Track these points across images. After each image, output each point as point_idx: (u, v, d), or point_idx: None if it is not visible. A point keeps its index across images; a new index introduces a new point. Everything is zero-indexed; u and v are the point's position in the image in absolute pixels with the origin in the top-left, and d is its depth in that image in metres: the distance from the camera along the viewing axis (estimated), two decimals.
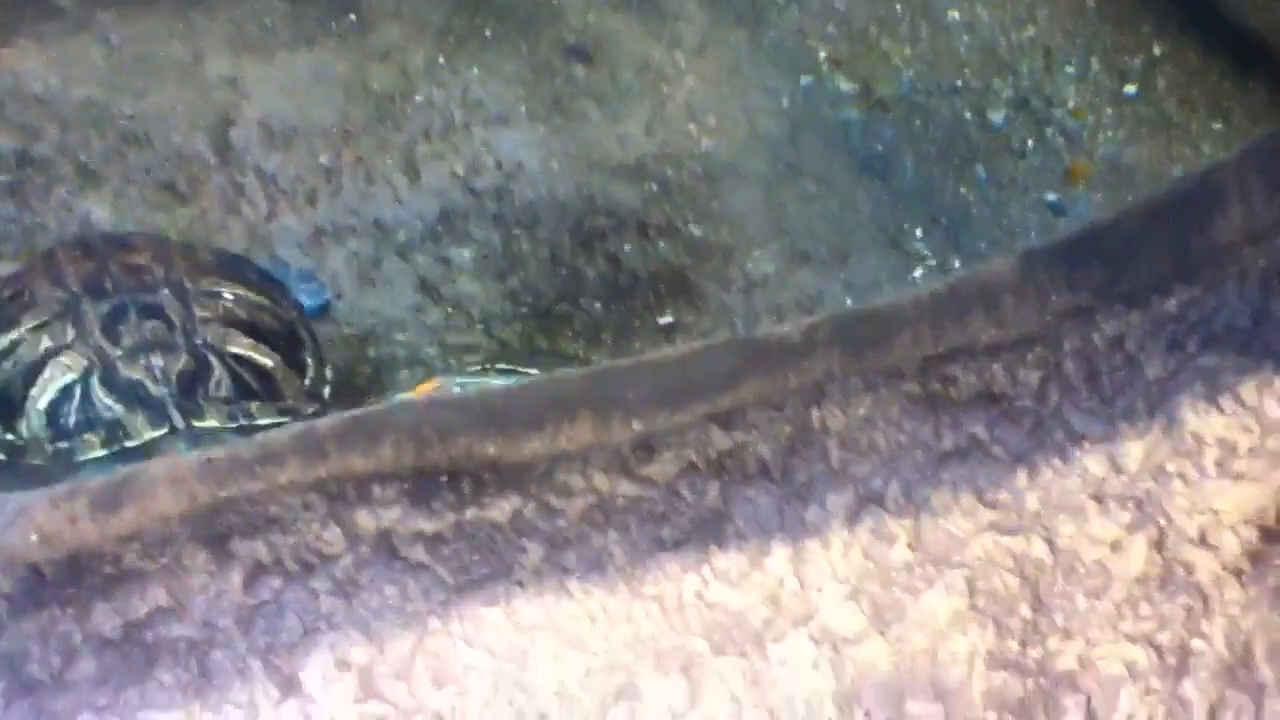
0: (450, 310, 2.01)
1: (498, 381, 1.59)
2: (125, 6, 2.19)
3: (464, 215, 2.12)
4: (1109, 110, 2.52)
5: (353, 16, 2.28)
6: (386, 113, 2.20)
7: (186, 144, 2.09)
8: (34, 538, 1.05)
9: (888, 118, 2.40)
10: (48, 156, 2.02)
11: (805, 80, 2.41)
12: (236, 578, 1.06)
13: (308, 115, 2.15)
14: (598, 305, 2.07)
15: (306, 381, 1.71)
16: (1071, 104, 2.52)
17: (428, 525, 1.08)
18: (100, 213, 1.96)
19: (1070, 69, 2.57)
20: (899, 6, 2.56)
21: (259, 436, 1.15)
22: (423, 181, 2.15)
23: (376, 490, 1.09)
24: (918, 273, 2.19)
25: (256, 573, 1.06)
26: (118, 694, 1.04)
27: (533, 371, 1.70)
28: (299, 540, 1.08)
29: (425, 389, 1.65)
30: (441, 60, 2.27)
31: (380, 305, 1.98)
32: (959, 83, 2.51)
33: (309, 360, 1.73)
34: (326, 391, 1.72)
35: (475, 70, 2.26)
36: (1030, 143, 2.44)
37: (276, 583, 1.07)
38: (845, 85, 2.42)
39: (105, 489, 1.09)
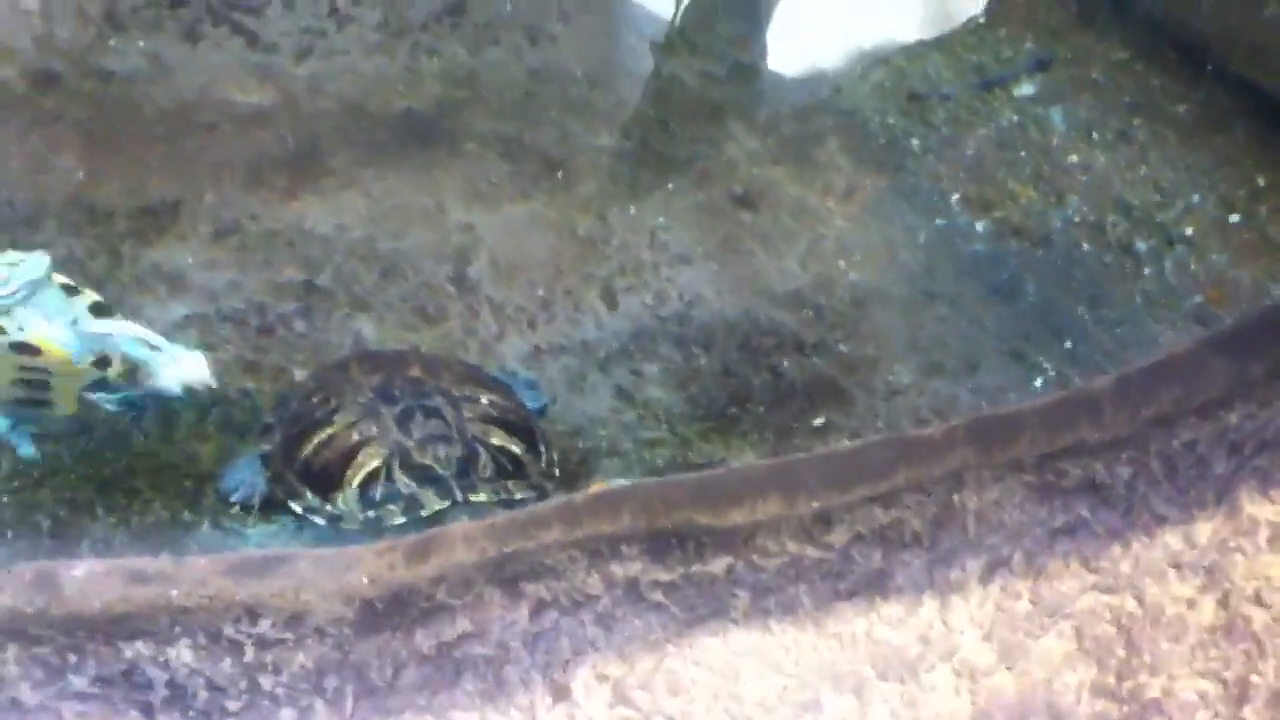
0: (642, 412, 2.16)
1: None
2: (382, 166, 2.45)
3: (652, 336, 2.27)
4: (1215, 236, 2.66)
5: (560, 174, 2.52)
6: (589, 253, 2.40)
7: (433, 277, 2.30)
8: (365, 579, 1.24)
9: (1012, 250, 2.55)
10: (328, 286, 2.25)
11: (940, 220, 2.58)
12: (525, 610, 1.25)
13: (527, 255, 2.36)
14: (762, 409, 2.18)
15: (543, 464, 1.94)
16: (1189, 231, 2.64)
17: (664, 575, 1.28)
18: (368, 331, 2.18)
19: (1180, 202, 2.72)
20: (1023, 152, 2.74)
21: (528, 507, 1.35)
22: (619, 309, 2.32)
23: (624, 549, 1.26)
24: (1038, 382, 2.30)
25: (539, 607, 1.26)
26: (433, 697, 1.23)
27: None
28: (570, 584, 1.26)
29: (595, 489, 1.86)
30: (632, 209, 2.49)
31: (586, 408, 2.15)
32: (1077, 218, 2.65)
33: (543, 448, 1.96)
34: (557, 472, 1.95)
35: (660, 218, 2.47)
36: (1144, 267, 2.57)
37: (554, 615, 1.26)
38: (974, 222, 2.58)
39: (415, 544, 1.26)
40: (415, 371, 1.95)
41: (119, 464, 1.93)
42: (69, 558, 1.26)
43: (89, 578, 1.24)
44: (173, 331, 2.12)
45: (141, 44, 2.61)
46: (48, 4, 2.63)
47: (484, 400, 1.94)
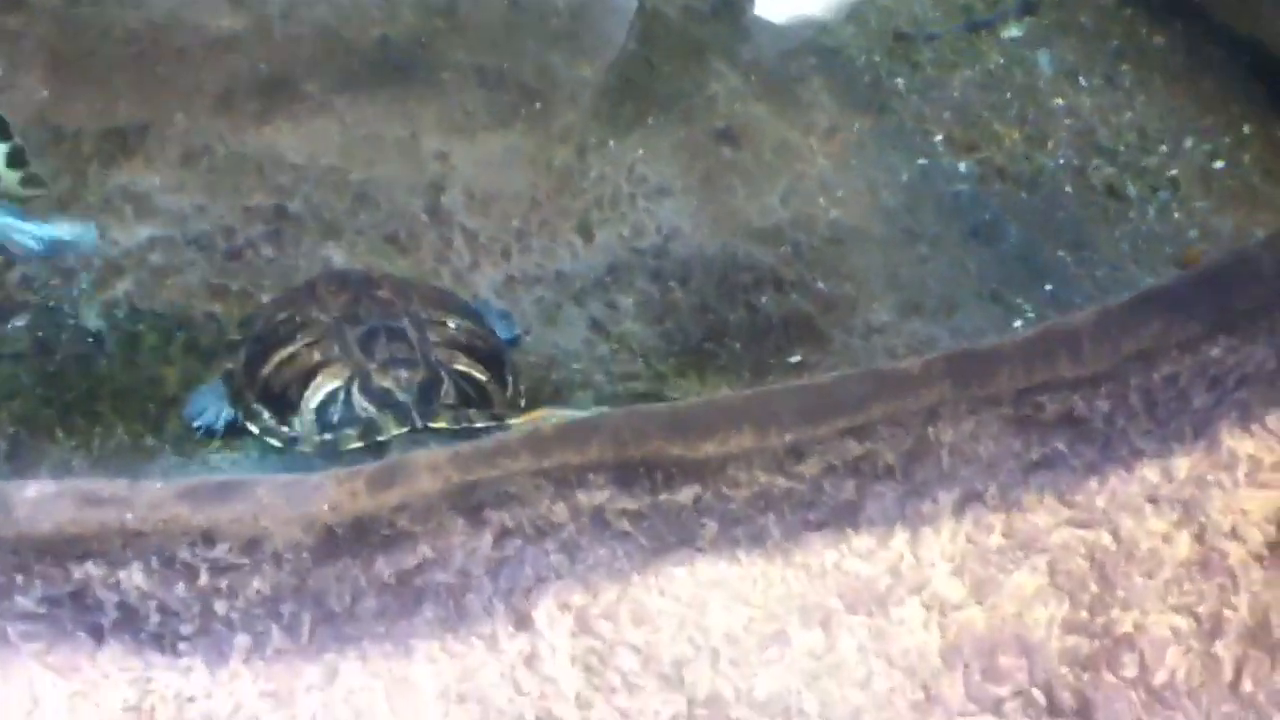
0: (616, 346, 2.13)
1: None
2: (357, 93, 2.41)
3: (629, 269, 2.24)
4: (1198, 182, 2.62)
5: (538, 104, 2.48)
6: (566, 184, 2.35)
7: (406, 206, 2.26)
8: (326, 507, 1.24)
9: (995, 192, 2.52)
10: (299, 212, 2.21)
11: (923, 160, 2.55)
12: (488, 538, 1.25)
13: (502, 185, 2.32)
14: (738, 345, 2.16)
15: (508, 394, 1.92)
16: (1173, 176, 2.61)
17: (630, 504, 1.28)
18: (338, 258, 2.15)
19: (1164, 148, 2.68)
20: (1009, 94, 2.70)
21: (496, 435, 1.34)
22: (595, 241, 2.28)
23: (590, 477, 1.26)
24: (1017, 323, 2.26)
25: (502, 534, 1.26)
26: (393, 625, 1.23)
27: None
28: (534, 512, 1.26)
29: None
30: (612, 142, 2.44)
31: (560, 340, 2.12)
32: (1061, 160, 2.62)
33: (509, 377, 1.93)
34: (522, 403, 1.92)
35: (640, 150, 2.43)
36: (1127, 212, 2.55)
37: (517, 543, 1.26)
38: (957, 163, 2.55)
39: (378, 472, 1.26)
40: (384, 293, 1.92)
41: (81, 387, 1.90)
42: (24, 479, 1.23)
43: (40, 499, 1.23)
44: (139, 252, 2.09)
45: None
46: None
47: (451, 325, 1.90)
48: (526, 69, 2.55)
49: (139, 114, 2.30)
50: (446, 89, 2.48)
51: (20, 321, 1.95)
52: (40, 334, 1.94)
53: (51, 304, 1.97)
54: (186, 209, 2.17)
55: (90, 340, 1.95)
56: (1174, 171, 2.64)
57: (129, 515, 1.23)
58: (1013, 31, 2.87)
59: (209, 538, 1.23)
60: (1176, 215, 2.57)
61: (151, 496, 1.24)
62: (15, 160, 1.82)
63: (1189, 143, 2.70)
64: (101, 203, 2.14)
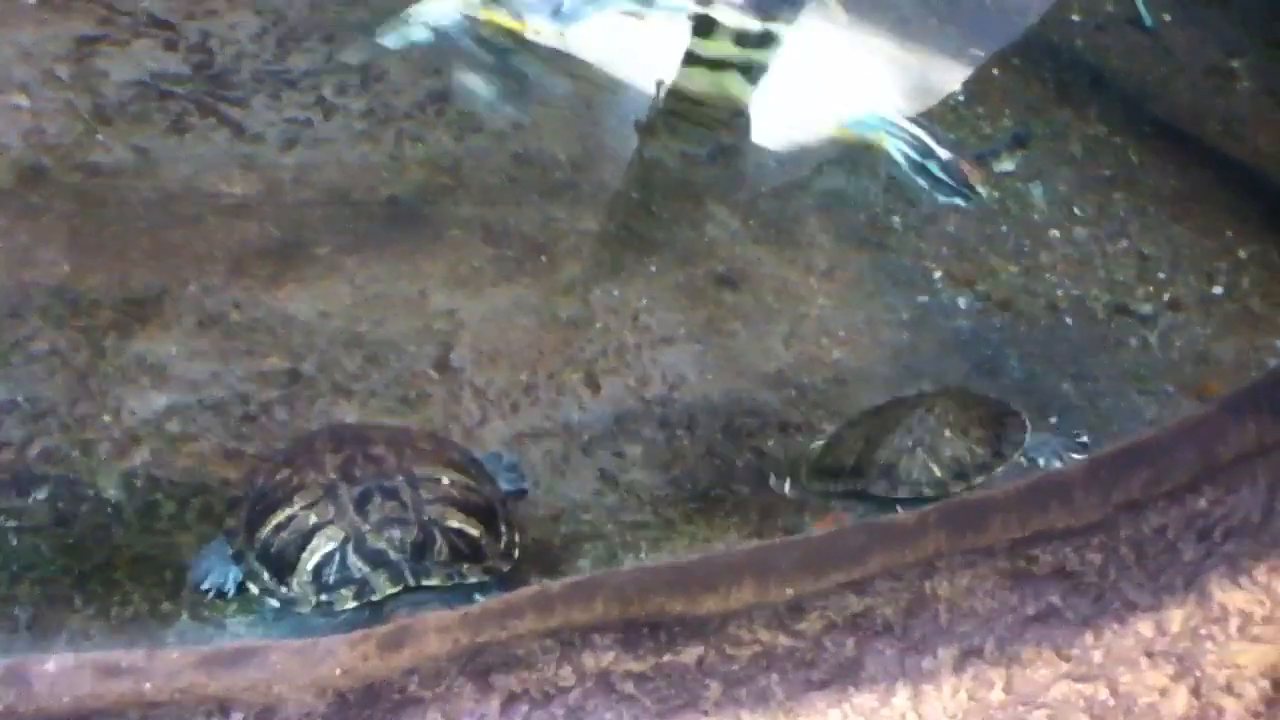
0: (625, 495, 2.16)
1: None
2: (365, 253, 2.47)
3: (636, 419, 2.27)
4: (1198, 309, 2.65)
5: (543, 258, 2.54)
6: (572, 336, 2.40)
7: (415, 364, 2.30)
8: (338, 671, 1.27)
9: (995, 325, 2.55)
10: (311, 373, 2.25)
11: (922, 296, 2.58)
12: (495, 703, 1.26)
13: (509, 339, 2.36)
14: (746, 489, 2.17)
15: (502, 545, 1.93)
16: (1172, 305, 2.64)
17: (635, 665, 1.29)
18: (351, 418, 2.18)
19: (1161, 274, 2.72)
20: (1005, 228, 2.76)
21: (502, 595, 1.36)
22: (602, 392, 2.31)
23: (595, 638, 1.29)
24: None
25: (510, 700, 1.27)
26: None
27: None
28: (541, 675, 1.28)
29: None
30: (616, 292, 2.50)
31: (569, 491, 2.14)
32: (1059, 291, 2.65)
33: (503, 528, 1.96)
34: (516, 553, 1.95)
35: (643, 299, 2.48)
36: (1128, 340, 2.58)
37: (525, 708, 1.27)
38: (957, 298, 2.59)
39: (388, 634, 1.29)
40: (379, 449, 1.96)
41: (99, 556, 1.93)
42: (44, 652, 1.26)
43: (60, 672, 1.26)
44: (156, 420, 2.14)
45: (129, 137, 2.66)
46: (38, 100, 2.69)
47: (445, 480, 1.95)
48: (530, 222, 2.62)
49: (154, 282, 2.36)
50: (453, 245, 2.55)
51: (41, 494, 2.00)
52: (60, 505, 1.98)
53: (71, 476, 2.02)
54: (201, 376, 2.22)
55: (109, 510, 1.99)
56: (1173, 298, 2.68)
57: (147, 685, 1.25)
58: (1005, 165, 2.94)
59: (225, 707, 1.25)
60: (1178, 342, 2.60)
61: (168, 665, 1.26)
62: None
63: (1186, 270, 2.74)
64: (118, 372, 2.20)
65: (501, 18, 2.03)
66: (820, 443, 2.18)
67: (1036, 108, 3.10)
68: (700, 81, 1.89)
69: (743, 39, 1.91)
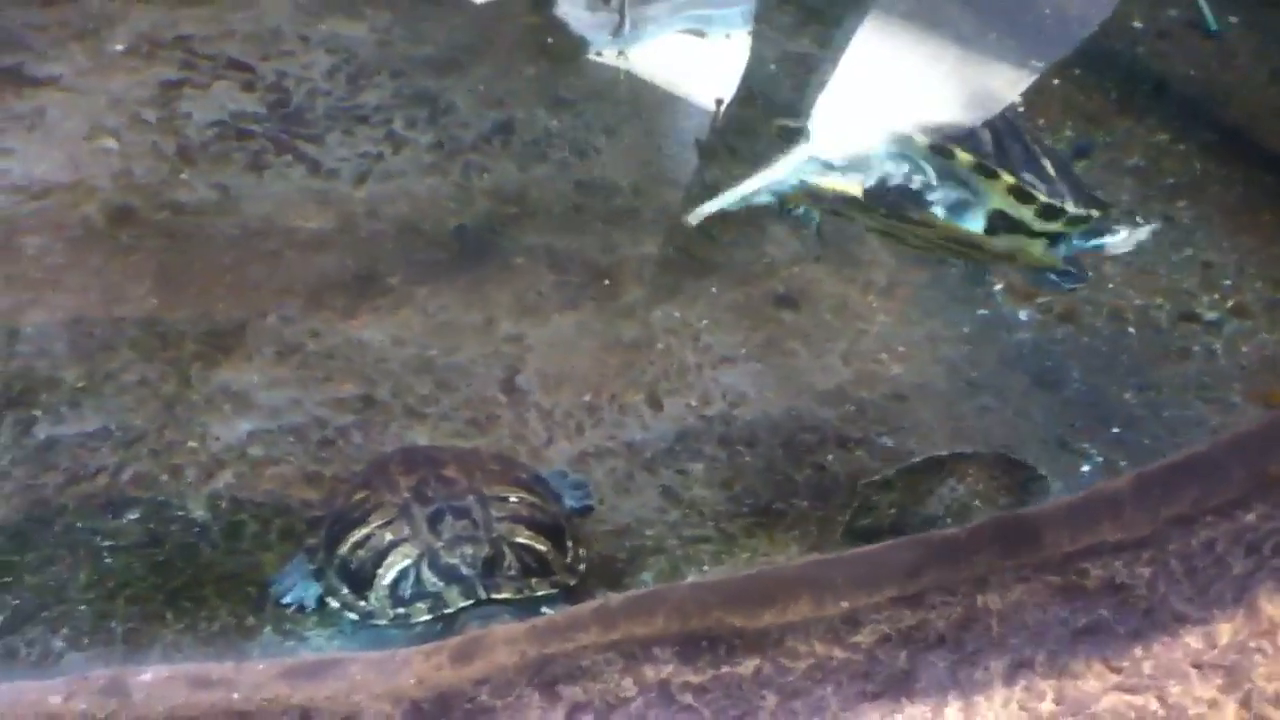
0: (687, 511, 2.18)
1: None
2: (437, 284, 2.54)
3: (697, 437, 2.29)
4: (1264, 315, 2.62)
5: (606, 282, 2.59)
6: (634, 358, 2.44)
7: (483, 388, 2.35)
8: (413, 681, 1.32)
9: (1056, 338, 2.54)
10: (385, 399, 2.32)
11: (982, 310, 2.59)
12: (561, 712, 1.30)
13: (574, 363, 2.42)
14: (805, 504, 2.19)
15: (568, 559, 2.01)
16: (1237, 313, 2.60)
17: (694, 677, 1.32)
18: (422, 441, 2.24)
19: (1227, 282, 2.70)
20: None
21: (566, 610, 1.42)
22: (664, 412, 2.34)
23: (656, 650, 1.32)
24: (1085, 468, 2.28)
25: (575, 709, 1.30)
26: None
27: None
28: (604, 686, 1.31)
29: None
30: (677, 314, 2.53)
31: (632, 508, 2.18)
32: (1122, 301, 2.64)
33: (569, 544, 2.03)
34: (582, 567, 2.02)
35: (704, 321, 2.52)
36: (1192, 349, 2.55)
37: (589, 717, 1.30)
38: (1018, 311, 2.58)
39: (460, 646, 1.34)
40: (449, 471, 2.04)
41: (187, 573, 2.02)
42: (139, 664, 1.34)
43: (156, 683, 1.33)
44: (239, 445, 2.24)
45: (211, 176, 2.77)
46: (127, 143, 2.81)
47: (513, 499, 2.03)
48: (593, 247, 2.67)
49: (237, 314, 2.46)
50: (519, 272, 2.61)
51: (133, 515, 2.10)
52: (151, 526, 2.08)
53: (160, 498, 2.12)
54: (281, 403, 2.30)
55: (196, 530, 2.08)
56: (1237, 305, 2.65)
57: (235, 695, 1.32)
58: None
59: (307, 715, 1.30)
60: (1243, 348, 2.57)
61: (255, 677, 1.33)
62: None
63: (1252, 276, 2.70)
64: (204, 400, 2.29)
65: (839, 184, 2.12)
66: (855, 504, 2.22)
67: (1098, 118, 3.09)
68: (1005, 242, 2.00)
69: (1073, 222, 2.03)
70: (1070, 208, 2.01)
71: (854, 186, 2.01)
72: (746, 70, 3.12)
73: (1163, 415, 2.42)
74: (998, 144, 2.04)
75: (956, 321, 2.57)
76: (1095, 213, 2.10)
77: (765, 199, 2.10)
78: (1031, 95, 3.02)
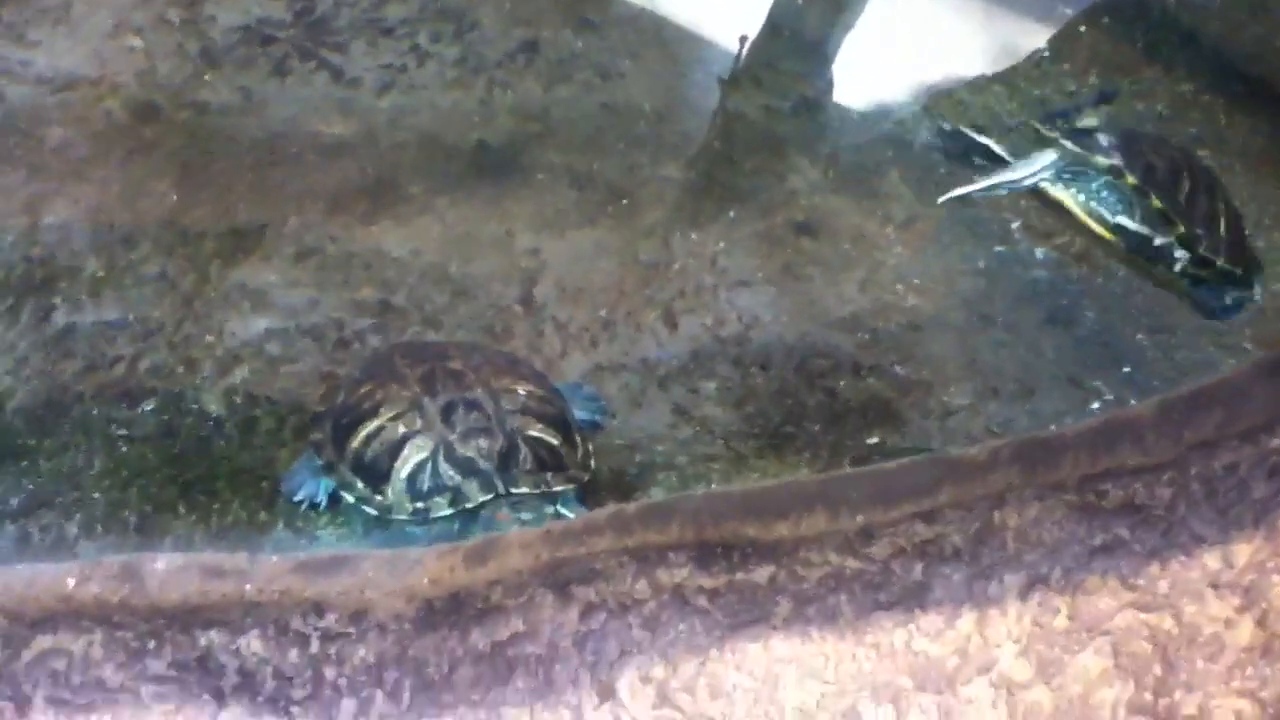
0: (698, 429, 2.18)
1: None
2: (456, 194, 2.54)
3: (711, 357, 2.29)
4: None
5: (625, 201, 2.58)
6: (651, 277, 2.44)
7: (501, 299, 2.35)
8: (426, 580, 1.33)
9: (1072, 277, 2.54)
10: (402, 305, 2.31)
11: (1000, 247, 2.58)
12: (574, 613, 1.33)
13: (591, 279, 2.41)
14: (816, 428, 2.20)
15: (579, 455, 1.98)
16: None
17: (708, 582, 1.34)
18: None
19: (1246, 231, 2.63)
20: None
21: (584, 515, 1.44)
22: (679, 331, 2.35)
23: (671, 556, 1.33)
24: (1094, 405, 2.27)
25: (588, 610, 1.33)
26: (486, 693, 1.31)
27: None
28: (618, 588, 1.33)
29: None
30: (695, 236, 2.53)
31: (644, 423, 2.18)
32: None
33: (578, 439, 2.01)
34: (593, 463, 1.99)
35: (722, 244, 2.51)
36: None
37: (602, 617, 1.33)
38: (1034, 249, 2.58)
39: (474, 548, 1.35)
40: (456, 364, 2.00)
41: (201, 467, 2.03)
42: (152, 552, 1.35)
43: (169, 571, 1.34)
44: (256, 342, 2.23)
45: (235, 79, 2.75)
46: (151, 42, 2.79)
47: (521, 392, 1.99)
48: (614, 168, 2.66)
49: (257, 215, 2.45)
50: (539, 189, 2.60)
51: (148, 405, 2.10)
52: (166, 417, 2.08)
53: (176, 390, 2.12)
54: (299, 303, 2.30)
55: (210, 423, 2.09)
56: (1256, 255, 2.63)
57: (248, 586, 1.33)
58: (1089, 121, 2.90)
59: (319, 608, 1.32)
60: (1259, 298, 2.55)
61: (268, 569, 1.34)
62: None
63: (1271, 225, 2.70)
64: (222, 298, 2.29)
65: (1065, 198, 2.54)
66: None
67: (1124, 66, 3.05)
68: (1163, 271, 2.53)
69: (1220, 275, 2.59)
70: (1220, 263, 2.49)
71: (1069, 199, 2.52)
72: (773, 7, 3.08)
73: (1174, 357, 2.42)
74: (1190, 196, 2.49)
75: (973, 256, 2.56)
76: (1239, 270, 2.53)
77: (1003, 192, 2.54)
78: (1058, 42, 3.05)
